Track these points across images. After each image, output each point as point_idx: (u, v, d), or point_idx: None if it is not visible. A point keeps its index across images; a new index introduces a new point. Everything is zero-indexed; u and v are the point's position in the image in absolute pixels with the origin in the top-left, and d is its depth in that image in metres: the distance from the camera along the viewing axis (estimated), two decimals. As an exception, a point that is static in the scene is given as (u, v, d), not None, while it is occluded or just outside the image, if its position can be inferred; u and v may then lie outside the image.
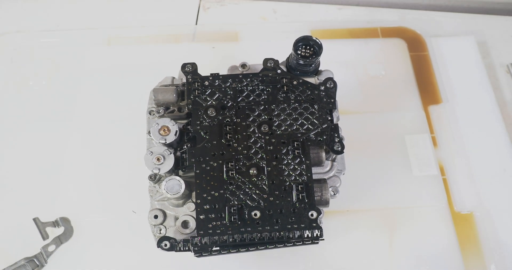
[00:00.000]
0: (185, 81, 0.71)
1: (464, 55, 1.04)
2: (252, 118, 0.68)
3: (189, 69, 0.71)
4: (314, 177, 0.67)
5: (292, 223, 0.63)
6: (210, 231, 0.62)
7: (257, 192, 0.64)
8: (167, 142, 0.65)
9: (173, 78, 0.74)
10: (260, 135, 0.67)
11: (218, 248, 0.64)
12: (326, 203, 0.68)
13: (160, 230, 0.66)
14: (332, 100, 0.71)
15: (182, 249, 0.64)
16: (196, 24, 1.09)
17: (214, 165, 0.65)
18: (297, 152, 0.66)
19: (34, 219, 0.81)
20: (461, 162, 0.90)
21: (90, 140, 0.91)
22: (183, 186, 0.63)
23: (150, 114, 0.72)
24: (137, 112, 0.83)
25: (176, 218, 0.67)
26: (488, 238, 0.83)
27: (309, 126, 0.68)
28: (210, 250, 0.63)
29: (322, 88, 0.71)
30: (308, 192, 0.65)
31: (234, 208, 0.63)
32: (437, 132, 0.94)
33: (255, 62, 0.75)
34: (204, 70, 0.73)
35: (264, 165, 0.66)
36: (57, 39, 1.05)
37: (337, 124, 0.70)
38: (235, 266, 0.80)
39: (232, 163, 0.65)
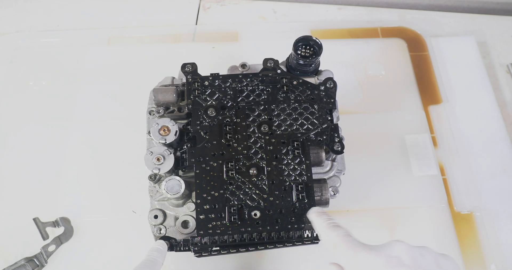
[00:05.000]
0: (185, 81, 0.71)
1: (464, 55, 1.04)
2: (252, 118, 0.68)
3: (189, 69, 0.71)
4: (314, 177, 0.67)
5: (292, 223, 0.63)
6: (210, 231, 0.62)
7: (257, 192, 0.64)
8: (167, 142, 0.65)
9: (173, 78, 0.74)
10: (260, 135, 0.67)
11: (218, 248, 0.64)
12: (326, 203, 0.68)
13: (160, 230, 0.66)
14: (332, 100, 0.71)
15: (182, 249, 0.64)
16: (196, 24, 1.09)
17: (214, 165, 0.65)
18: (297, 152, 0.66)
19: (34, 219, 0.80)
20: (461, 162, 0.90)
21: (90, 140, 0.91)
22: (183, 186, 0.63)
23: (150, 114, 0.72)
24: (137, 112, 0.83)
25: (176, 218, 0.67)
26: (488, 238, 0.83)
27: (309, 126, 0.68)
28: (210, 250, 0.63)
29: (322, 88, 0.71)
30: (308, 192, 0.64)
31: (234, 208, 0.63)
32: (437, 132, 0.94)
33: (255, 62, 0.75)
34: (204, 70, 0.73)
35: (264, 165, 0.66)
36: (57, 39, 1.05)
37: (337, 124, 0.70)
38: (235, 266, 0.80)
39: (232, 163, 0.65)
